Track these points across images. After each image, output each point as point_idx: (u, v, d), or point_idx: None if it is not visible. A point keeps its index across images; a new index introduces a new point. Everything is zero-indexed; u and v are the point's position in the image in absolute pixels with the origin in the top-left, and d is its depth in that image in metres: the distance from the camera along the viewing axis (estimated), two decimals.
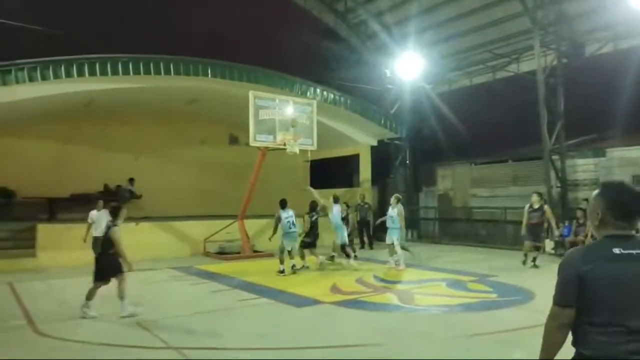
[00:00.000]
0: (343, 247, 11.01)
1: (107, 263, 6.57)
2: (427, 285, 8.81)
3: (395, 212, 10.84)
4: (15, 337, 5.66)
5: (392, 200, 11.17)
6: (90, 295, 6.56)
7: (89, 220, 10.60)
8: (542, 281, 8.97)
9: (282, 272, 10.19)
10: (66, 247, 11.71)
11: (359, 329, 5.96)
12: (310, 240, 10.98)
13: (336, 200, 11.22)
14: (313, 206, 11.11)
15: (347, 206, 13.30)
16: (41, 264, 11.14)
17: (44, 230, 11.77)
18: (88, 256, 11.62)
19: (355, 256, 11.37)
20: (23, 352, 5.12)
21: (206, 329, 5.96)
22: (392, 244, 10.80)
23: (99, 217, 10.46)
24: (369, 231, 15.56)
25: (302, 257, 10.79)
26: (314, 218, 11.12)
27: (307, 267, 10.72)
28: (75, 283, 9.35)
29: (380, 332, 5.81)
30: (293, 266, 10.35)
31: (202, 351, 5.07)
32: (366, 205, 15.71)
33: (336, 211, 11.09)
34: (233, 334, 5.74)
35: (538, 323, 6.12)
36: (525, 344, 5.26)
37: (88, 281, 9.49)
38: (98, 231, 10.37)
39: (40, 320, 6.32)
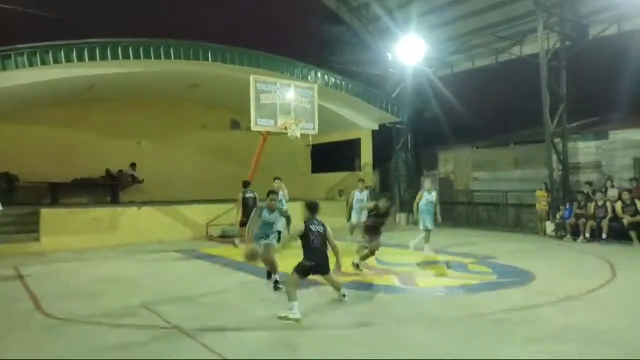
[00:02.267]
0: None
1: (324, 258, 6.06)
2: (428, 267, 8.86)
3: (433, 197, 10.45)
4: (23, 319, 5.74)
5: (428, 183, 10.77)
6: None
7: None
8: (542, 263, 9.05)
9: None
10: (69, 231, 11.82)
11: (359, 310, 6.01)
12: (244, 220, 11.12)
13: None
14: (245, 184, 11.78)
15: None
16: (44, 248, 11.23)
17: (46, 215, 11.83)
18: (91, 240, 11.88)
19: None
20: (31, 333, 5.19)
21: (211, 310, 6.02)
22: (428, 230, 10.46)
23: None
24: None
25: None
26: (247, 195, 11.55)
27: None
28: (78, 266, 9.47)
29: (379, 313, 5.87)
30: None
31: (207, 332, 5.12)
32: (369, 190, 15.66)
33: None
34: (238, 315, 5.80)
35: (537, 303, 6.25)
36: (524, 324, 5.33)
37: (90, 264, 9.66)
38: None
39: (46, 302, 6.39)
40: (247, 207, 11.39)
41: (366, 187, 12.45)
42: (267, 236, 7.15)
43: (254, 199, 11.66)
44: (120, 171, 16.15)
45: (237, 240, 11.70)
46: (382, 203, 8.30)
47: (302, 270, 5.91)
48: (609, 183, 12.58)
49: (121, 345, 4.76)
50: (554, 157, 14.04)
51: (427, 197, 10.51)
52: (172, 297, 6.76)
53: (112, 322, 5.51)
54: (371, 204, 8.60)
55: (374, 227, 8.27)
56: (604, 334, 4.93)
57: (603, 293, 6.77)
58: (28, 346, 4.77)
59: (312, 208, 6.31)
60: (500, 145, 16.43)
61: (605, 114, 14.21)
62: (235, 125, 18.71)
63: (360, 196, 11.82)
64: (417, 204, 10.56)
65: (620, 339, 4.81)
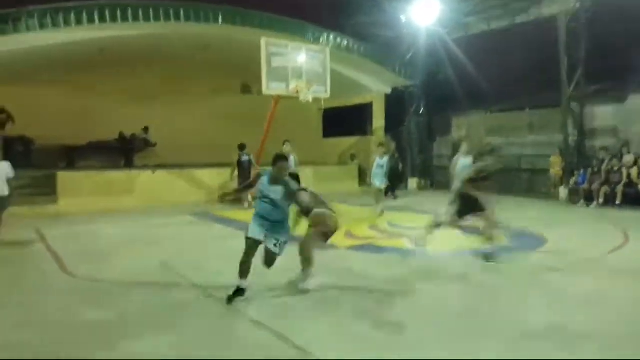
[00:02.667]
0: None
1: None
2: (439, 231, 8.92)
3: (468, 162, 8.85)
4: (50, 280, 5.93)
5: (465, 146, 9.52)
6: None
7: None
8: (555, 229, 9.08)
9: None
10: (85, 193, 12.04)
11: (370, 272, 6.10)
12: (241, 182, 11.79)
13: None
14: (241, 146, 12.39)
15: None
16: (62, 210, 11.47)
17: (63, 178, 12.04)
18: (107, 203, 12.10)
19: None
20: (60, 294, 5.39)
21: (229, 270, 6.15)
22: None
23: None
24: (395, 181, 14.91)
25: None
26: (242, 159, 12.24)
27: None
28: (97, 228, 9.68)
29: (389, 276, 5.96)
30: None
31: (226, 290, 5.27)
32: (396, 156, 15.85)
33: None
34: (255, 275, 5.92)
35: (548, 268, 6.29)
36: (535, 288, 5.41)
37: (108, 226, 9.87)
38: None
39: (70, 264, 6.58)
40: (243, 169, 12.26)
41: (385, 153, 11.51)
42: (263, 218, 5.18)
43: (249, 162, 12.14)
44: (134, 135, 16.26)
45: (246, 204, 11.94)
46: (490, 160, 6.60)
47: (325, 233, 5.34)
48: (624, 149, 12.43)
49: (145, 303, 4.94)
50: (570, 122, 13.84)
51: (463, 161, 9.21)
52: (191, 257, 6.95)
53: (135, 282, 5.70)
54: (474, 168, 6.42)
55: (471, 198, 6.27)
56: (615, 299, 4.99)
57: (615, 258, 6.81)
58: (60, 307, 4.92)
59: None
60: (515, 109, 16.19)
61: (624, 78, 13.86)
62: (246, 89, 18.59)
63: (380, 162, 11.00)
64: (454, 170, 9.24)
65: (631, 304, 4.87)
